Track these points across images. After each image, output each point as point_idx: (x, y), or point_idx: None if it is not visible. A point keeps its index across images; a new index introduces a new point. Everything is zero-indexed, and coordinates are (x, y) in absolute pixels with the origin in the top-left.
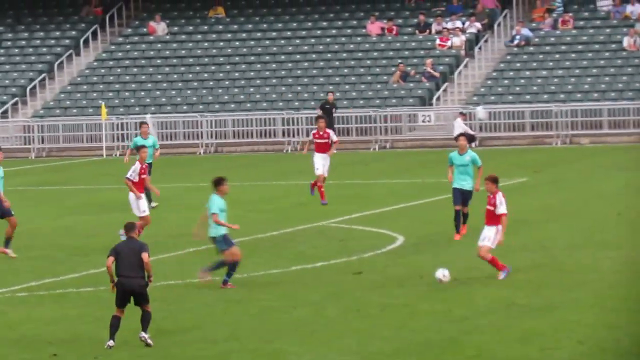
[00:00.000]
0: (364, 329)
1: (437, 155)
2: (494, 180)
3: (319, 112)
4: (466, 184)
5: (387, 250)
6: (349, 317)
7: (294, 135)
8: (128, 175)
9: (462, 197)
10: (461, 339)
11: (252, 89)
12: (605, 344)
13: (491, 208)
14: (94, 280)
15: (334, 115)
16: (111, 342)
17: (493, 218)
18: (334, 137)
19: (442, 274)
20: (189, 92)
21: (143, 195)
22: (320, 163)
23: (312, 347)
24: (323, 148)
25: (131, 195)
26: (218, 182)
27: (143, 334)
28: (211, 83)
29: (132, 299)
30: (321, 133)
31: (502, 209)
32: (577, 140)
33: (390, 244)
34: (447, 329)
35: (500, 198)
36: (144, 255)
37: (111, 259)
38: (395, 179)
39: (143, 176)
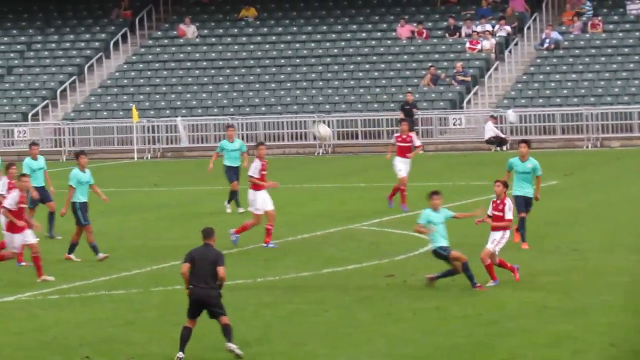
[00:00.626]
0: (394, 333)
1: (468, 158)
2: (506, 185)
3: (400, 114)
4: (528, 191)
5: (418, 253)
6: (380, 320)
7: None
8: (250, 173)
9: (525, 203)
10: (492, 343)
11: (282, 92)
12: (637, 347)
13: (499, 214)
14: (124, 282)
15: (414, 116)
16: (180, 354)
17: (500, 222)
18: (417, 142)
19: (318, 128)
20: (219, 94)
21: (263, 193)
22: (403, 166)
23: (342, 350)
24: (405, 152)
25: (250, 193)
26: (431, 195)
27: (230, 344)
28: (242, 86)
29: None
30: (404, 136)
31: (509, 215)
32: (607, 143)
33: (422, 246)
34: (478, 332)
35: (509, 204)
36: (220, 270)
37: (186, 265)
38: (426, 182)
39: (263, 172)
